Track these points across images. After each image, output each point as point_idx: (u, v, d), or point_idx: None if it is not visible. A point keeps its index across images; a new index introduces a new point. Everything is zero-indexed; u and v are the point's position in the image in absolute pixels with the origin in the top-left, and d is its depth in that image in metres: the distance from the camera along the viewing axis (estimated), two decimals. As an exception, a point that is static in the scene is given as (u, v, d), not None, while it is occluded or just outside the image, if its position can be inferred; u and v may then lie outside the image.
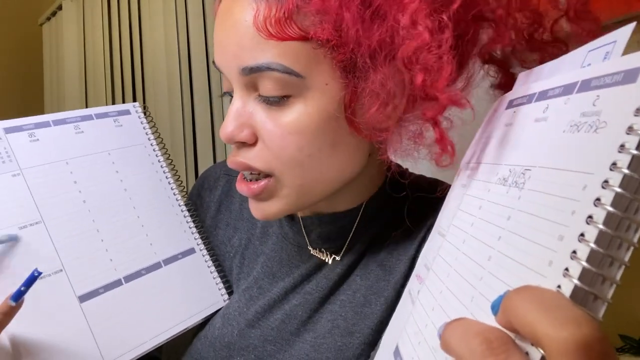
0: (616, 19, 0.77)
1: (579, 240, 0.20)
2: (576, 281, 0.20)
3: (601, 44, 0.25)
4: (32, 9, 2.66)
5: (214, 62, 0.47)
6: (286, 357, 0.49)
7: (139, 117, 0.61)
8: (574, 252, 0.21)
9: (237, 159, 0.45)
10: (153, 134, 0.61)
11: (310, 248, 0.55)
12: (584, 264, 0.20)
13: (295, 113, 0.42)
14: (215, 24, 0.45)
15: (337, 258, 0.53)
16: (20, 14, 2.62)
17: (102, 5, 2.12)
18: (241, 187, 0.47)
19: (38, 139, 0.52)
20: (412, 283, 0.39)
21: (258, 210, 0.48)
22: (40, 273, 0.45)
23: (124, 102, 2.03)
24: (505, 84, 0.43)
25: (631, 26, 0.23)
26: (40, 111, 2.59)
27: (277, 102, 0.42)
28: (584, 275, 0.20)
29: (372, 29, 0.37)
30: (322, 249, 0.54)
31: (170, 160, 0.61)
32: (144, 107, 0.63)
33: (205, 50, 1.71)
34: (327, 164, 0.44)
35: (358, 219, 0.53)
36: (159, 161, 0.60)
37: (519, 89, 0.33)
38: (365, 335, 0.48)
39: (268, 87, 0.41)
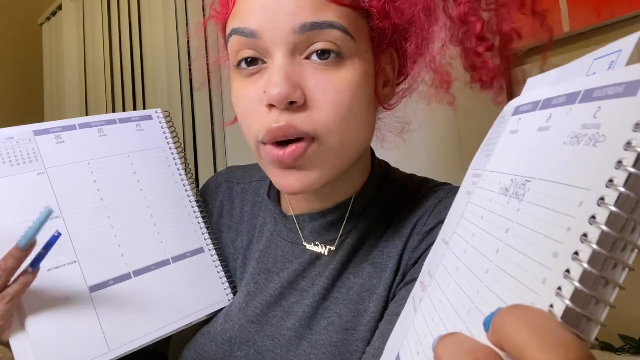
0: (616, 19, 0.75)
1: (573, 259, 0.20)
2: (568, 302, 0.19)
3: (606, 53, 0.24)
4: (32, 9, 2.66)
5: (235, 30, 0.46)
6: (284, 353, 0.51)
7: (160, 122, 0.64)
8: (568, 271, 0.20)
9: (285, 123, 0.44)
10: (173, 138, 0.64)
11: (305, 244, 0.56)
12: (577, 284, 0.19)
13: (348, 72, 0.46)
14: None
15: (332, 248, 0.54)
16: (20, 14, 2.62)
17: (102, 5, 2.13)
18: (278, 154, 0.45)
19: (64, 141, 0.56)
20: (416, 290, 0.38)
21: (296, 180, 0.47)
22: (60, 234, 0.48)
23: (123, 102, 2.03)
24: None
25: (637, 35, 0.22)
26: (40, 111, 2.57)
27: (331, 61, 0.45)
28: (576, 296, 0.19)
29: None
30: (317, 243, 0.55)
31: (187, 164, 0.64)
32: (167, 113, 0.66)
33: (205, 49, 1.69)
34: (362, 126, 0.49)
35: (349, 211, 0.55)
36: (175, 164, 0.63)
37: (527, 95, 0.32)
38: (360, 332, 0.50)
39: (326, 44, 0.44)
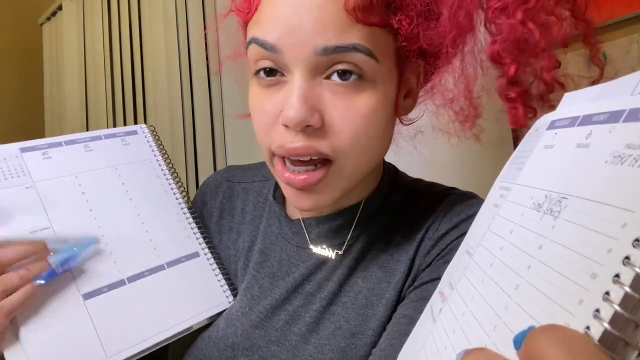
0: (616, 19, 0.74)
1: (614, 282, 0.19)
2: (606, 325, 0.19)
3: (654, 72, 0.24)
4: (32, 9, 2.67)
5: (255, 40, 0.44)
6: (290, 358, 0.50)
7: (145, 136, 0.65)
8: (607, 293, 0.19)
9: (301, 144, 0.44)
10: (160, 151, 0.64)
11: (311, 247, 0.56)
12: (617, 307, 0.19)
13: (368, 96, 0.44)
14: (278, 2, 0.43)
15: (340, 252, 0.54)
16: (20, 14, 2.63)
17: (102, 5, 2.13)
18: (293, 179, 0.45)
19: (50, 157, 0.58)
20: (434, 300, 0.38)
21: (309, 200, 0.47)
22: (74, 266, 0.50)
23: (123, 102, 2.04)
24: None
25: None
26: (40, 111, 2.56)
27: (352, 82, 0.43)
28: (615, 319, 0.19)
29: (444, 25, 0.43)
30: (324, 246, 0.55)
31: (176, 174, 0.64)
32: (152, 128, 0.67)
33: (205, 50, 1.69)
34: (377, 146, 0.48)
35: (358, 215, 0.54)
36: (164, 174, 0.63)
37: (563, 110, 0.32)
38: (368, 336, 0.49)
39: (348, 65, 0.43)
